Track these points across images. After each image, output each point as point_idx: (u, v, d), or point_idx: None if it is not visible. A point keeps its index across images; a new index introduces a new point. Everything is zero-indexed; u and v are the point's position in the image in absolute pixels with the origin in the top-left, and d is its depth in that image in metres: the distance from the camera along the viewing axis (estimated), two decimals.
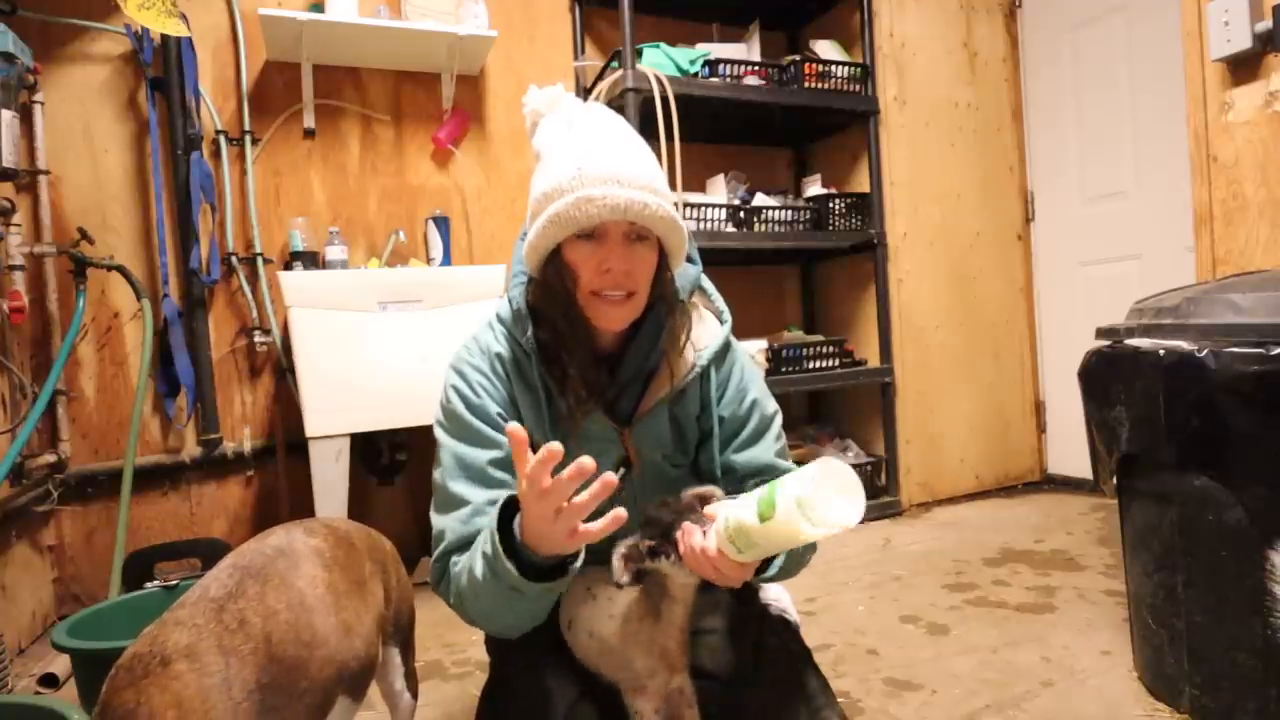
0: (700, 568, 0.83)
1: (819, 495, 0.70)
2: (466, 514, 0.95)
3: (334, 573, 0.92)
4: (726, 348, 1.10)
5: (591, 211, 0.89)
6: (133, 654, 0.73)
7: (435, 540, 0.98)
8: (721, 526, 0.80)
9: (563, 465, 0.81)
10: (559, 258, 0.95)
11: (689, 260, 1.08)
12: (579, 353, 0.98)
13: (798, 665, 1.01)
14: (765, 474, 1.03)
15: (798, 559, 1.00)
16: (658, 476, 1.07)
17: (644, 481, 1.06)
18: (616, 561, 0.87)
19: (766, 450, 1.08)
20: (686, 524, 0.84)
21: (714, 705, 0.95)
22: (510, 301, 1.03)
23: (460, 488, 0.96)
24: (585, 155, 0.92)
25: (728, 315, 1.12)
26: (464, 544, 0.93)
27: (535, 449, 0.87)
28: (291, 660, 0.80)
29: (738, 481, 1.06)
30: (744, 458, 1.06)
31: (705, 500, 0.90)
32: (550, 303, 0.97)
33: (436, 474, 1.01)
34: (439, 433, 1.02)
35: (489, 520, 0.87)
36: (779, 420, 1.11)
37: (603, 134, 0.96)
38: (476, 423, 0.98)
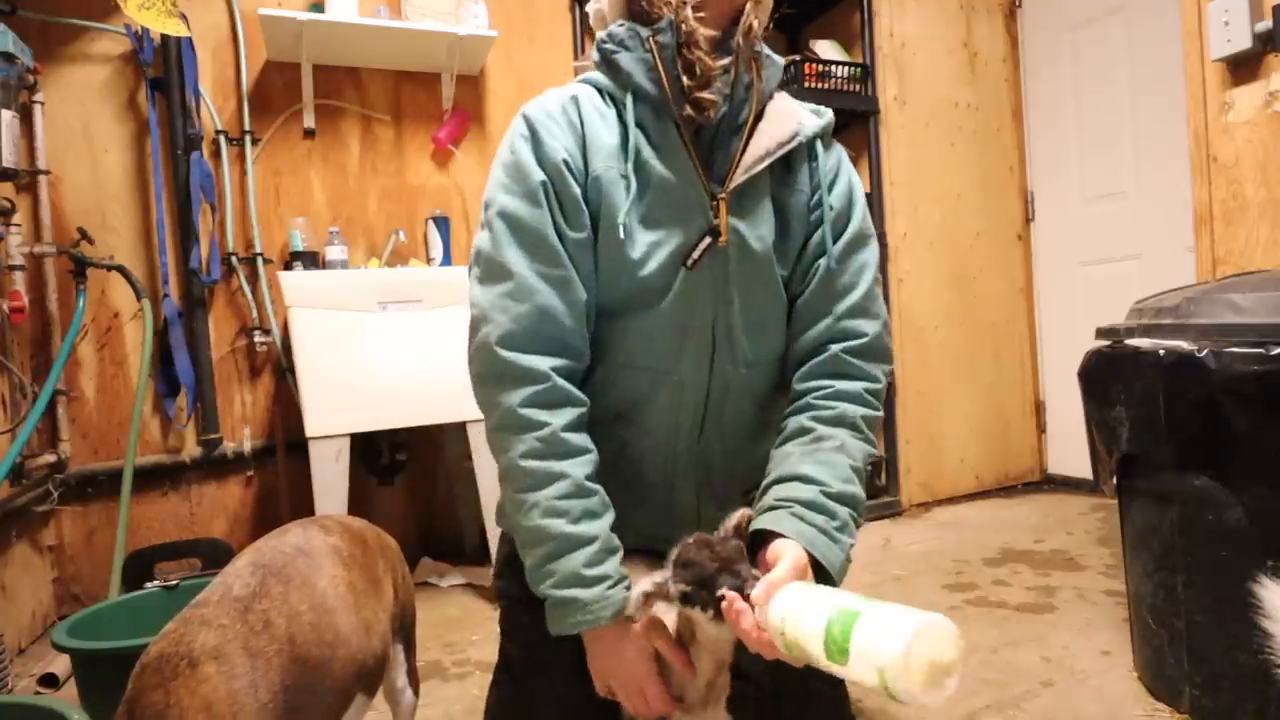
0: (753, 648, 0.72)
1: (906, 665, 0.57)
2: (511, 289, 0.85)
3: (353, 571, 0.93)
4: (832, 136, 1.01)
5: None
6: (159, 653, 0.73)
7: (475, 320, 0.87)
8: (778, 626, 0.68)
9: (644, 224, 0.85)
10: None
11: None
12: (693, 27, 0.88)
13: (836, 681, 0.96)
14: (856, 297, 0.94)
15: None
16: (751, 273, 0.92)
17: (733, 265, 0.91)
18: (636, 596, 0.78)
19: (867, 267, 0.96)
20: (734, 595, 0.72)
21: (752, 714, 0.89)
22: (603, 37, 0.94)
23: (510, 255, 0.85)
24: None
25: (827, 111, 1.02)
26: (517, 339, 0.84)
27: (597, 217, 0.87)
28: (315, 661, 0.80)
29: (825, 303, 0.94)
30: (842, 268, 0.94)
31: (743, 528, 0.80)
32: None
33: (483, 239, 0.89)
34: (491, 192, 0.90)
35: (592, 525, 0.82)
36: (876, 247, 0.99)
37: None
38: (539, 174, 0.86)
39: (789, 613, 0.67)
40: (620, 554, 0.84)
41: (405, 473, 2.47)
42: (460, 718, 1.46)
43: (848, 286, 0.94)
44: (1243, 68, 1.82)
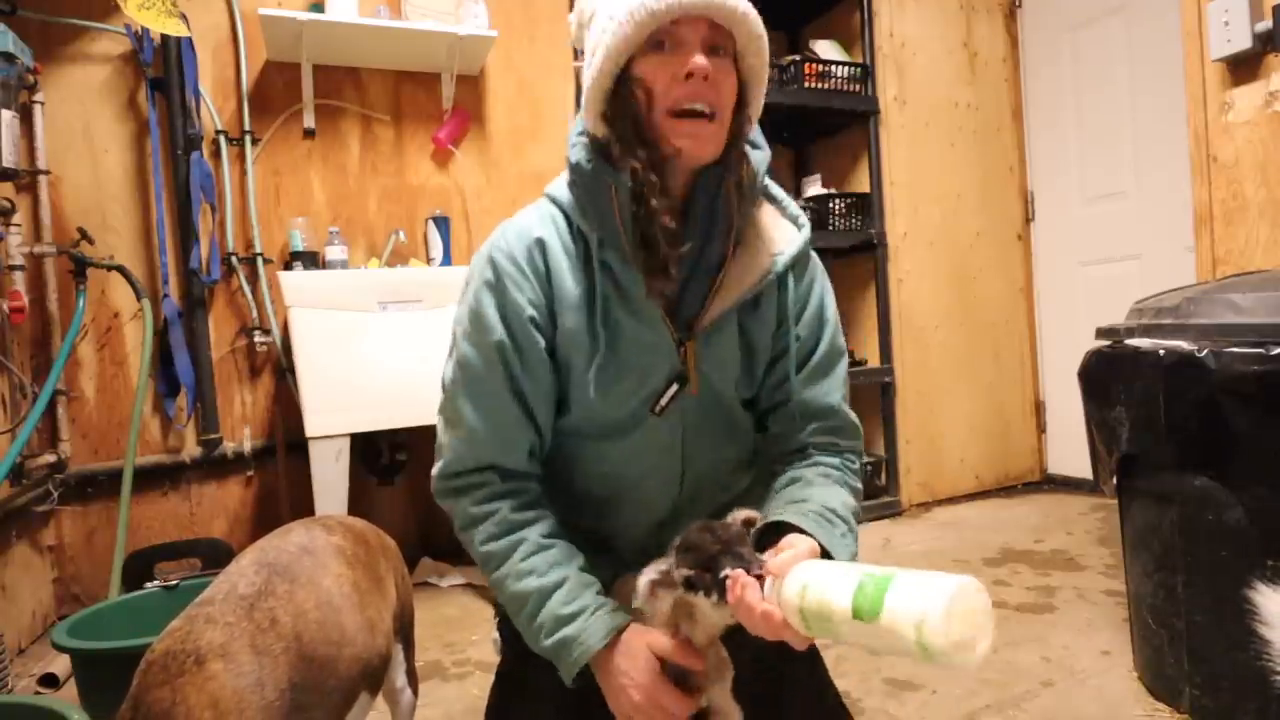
0: (753, 625, 0.70)
1: (946, 621, 0.56)
2: (464, 437, 0.88)
3: (357, 570, 0.93)
4: (807, 256, 0.96)
5: (667, 3, 0.78)
6: (165, 650, 0.73)
7: (437, 445, 0.92)
8: (795, 596, 0.66)
9: (612, 377, 0.84)
10: (627, 84, 0.83)
11: (754, 145, 0.92)
12: (659, 191, 0.83)
13: (817, 665, 0.98)
14: (828, 419, 0.95)
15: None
16: (716, 408, 0.93)
17: (700, 410, 0.92)
18: (643, 586, 0.76)
19: (834, 389, 0.95)
20: (739, 572, 0.71)
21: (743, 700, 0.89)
22: (573, 163, 0.89)
23: (463, 405, 0.88)
24: None
25: (805, 221, 0.96)
26: (465, 469, 0.89)
27: (557, 362, 0.87)
28: (322, 659, 0.80)
29: (793, 422, 0.94)
30: (810, 394, 0.94)
31: (751, 525, 0.80)
32: (622, 136, 0.83)
33: (447, 372, 0.91)
34: (456, 330, 0.91)
35: (587, 617, 0.82)
36: (846, 362, 0.99)
37: None
38: (498, 332, 0.86)
39: (811, 582, 0.66)
40: (596, 586, 0.86)
41: (405, 473, 2.47)
42: (460, 717, 1.46)
43: (817, 411, 0.95)
44: (1243, 68, 1.82)
